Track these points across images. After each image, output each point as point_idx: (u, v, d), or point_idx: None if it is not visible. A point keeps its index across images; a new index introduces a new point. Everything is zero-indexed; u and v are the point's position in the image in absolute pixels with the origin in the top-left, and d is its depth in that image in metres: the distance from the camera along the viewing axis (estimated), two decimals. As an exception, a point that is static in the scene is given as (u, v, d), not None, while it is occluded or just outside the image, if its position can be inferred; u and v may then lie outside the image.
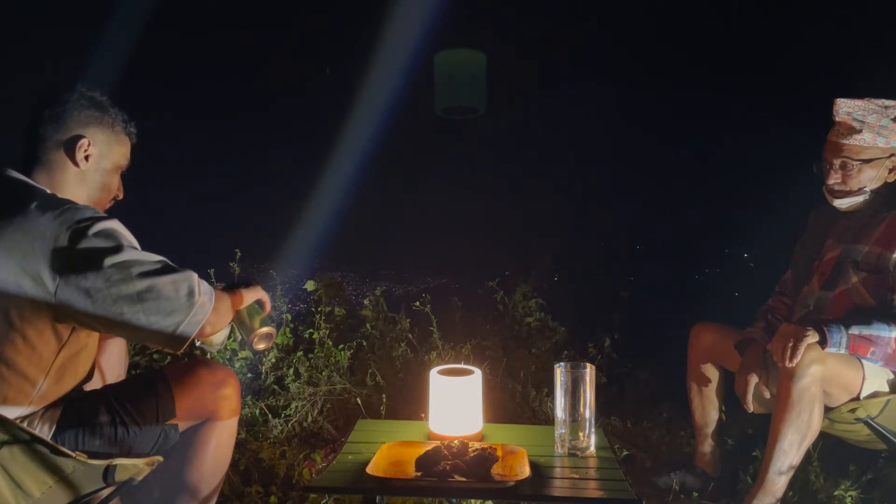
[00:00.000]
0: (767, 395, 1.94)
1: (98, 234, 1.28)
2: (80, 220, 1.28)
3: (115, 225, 1.33)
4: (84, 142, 1.43)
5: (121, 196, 1.57)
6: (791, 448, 1.79)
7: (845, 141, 1.89)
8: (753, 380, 1.94)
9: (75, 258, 1.26)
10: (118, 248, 1.29)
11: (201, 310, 1.34)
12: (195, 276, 1.36)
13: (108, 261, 1.27)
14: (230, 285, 1.61)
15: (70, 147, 1.42)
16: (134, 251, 1.32)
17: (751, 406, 1.98)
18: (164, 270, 1.32)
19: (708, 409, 2.27)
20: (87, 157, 1.45)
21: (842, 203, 1.96)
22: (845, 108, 1.88)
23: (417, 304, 3.15)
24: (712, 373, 2.25)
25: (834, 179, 1.94)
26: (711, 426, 2.28)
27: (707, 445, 2.30)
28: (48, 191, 1.39)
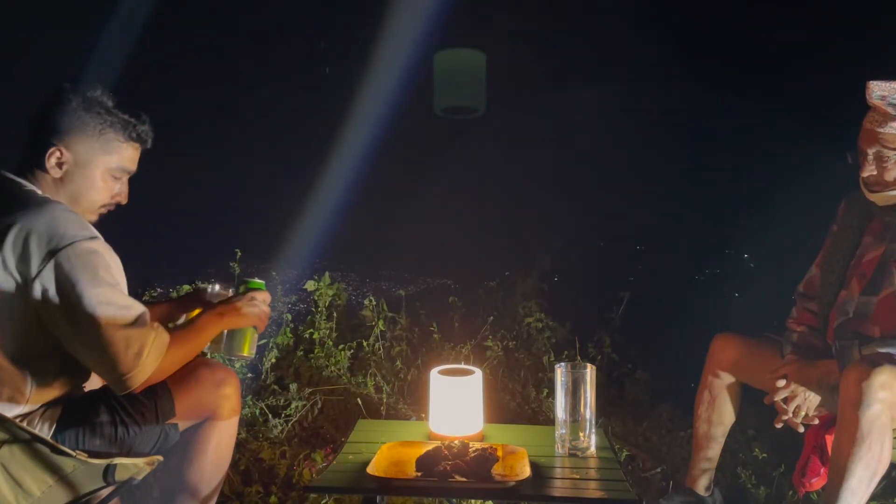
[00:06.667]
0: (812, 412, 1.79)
1: (72, 262, 1.27)
2: (61, 236, 1.27)
3: (94, 249, 1.31)
4: (53, 150, 1.40)
5: (123, 201, 1.53)
6: (860, 486, 1.54)
7: (880, 129, 1.67)
8: (804, 403, 1.77)
9: (47, 280, 1.27)
10: (90, 283, 1.28)
11: (145, 370, 1.33)
12: (151, 336, 1.34)
13: (75, 297, 1.27)
14: (220, 305, 1.58)
15: (41, 154, 1.39)
16: (102, 290, 1.29)
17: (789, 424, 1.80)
18: (122, 323, 1.30)
19: (716, 423, 2.06)
20: (59, 165, 1.41)
21: (879, 197, 1.75)
22: (879, 92, 1.64)
23: (418, 304, 3.15)
24: (731, 387, 2.05)
25: (869, 171, 1.72)
26: (716, 441, 2.07)
27: (703, 464, 2.09)
28: (38, 192, 1.39)
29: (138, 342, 1.32)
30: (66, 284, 1.27)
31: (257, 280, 1.67)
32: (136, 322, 1.33)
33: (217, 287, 1.76)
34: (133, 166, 1.52)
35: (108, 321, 1.28)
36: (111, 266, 1.34)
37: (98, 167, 1.45)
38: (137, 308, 1.35)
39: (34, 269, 1.26)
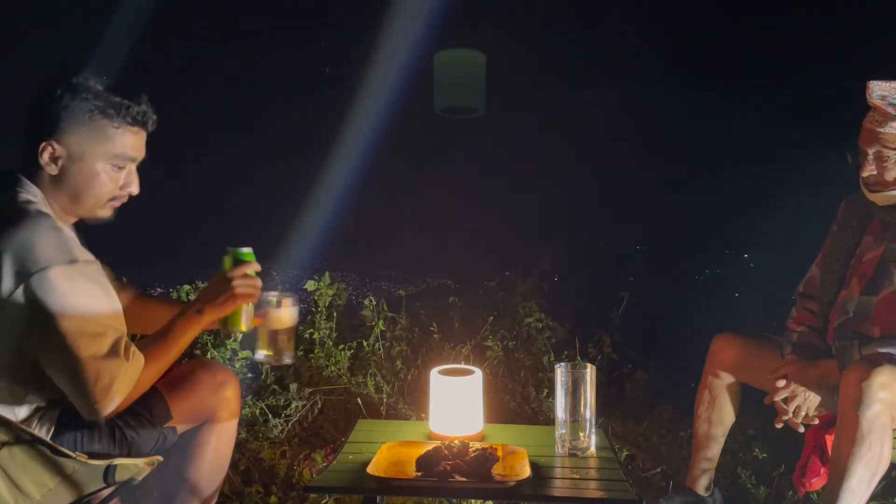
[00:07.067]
0: (813, 412, 1.79)
1: (44, 288, 1.19)
2: (35, 260, 1.19)
3: (69, 275, 1.22)
4: (45, 145, 1.31)
5: (134, 191, 1.43)
6: (860, 486, 1.54)
7: (881, 129, 1.68)
8: (804, 401, 1.77)
9: (18, 304, 1.20)
10: (60, 312, 1.20)
11: (113, 400, 1.27)
12: (124, 367, 1.27)
13: (45, 325, 1.20)
14: (197, 301, 1.46)
15: (35, 151, 1.32)
16: (73, 319, 1.22)
17: (788, 424, 1.80)
18: (93, 354, 1.24)
19: (716, 423, 2.06)
20: (54, 161, 1.32)
21: (879, 197, 1.76)
22: (879, 92, 1.65)
23: (418, 304, 3.15)
24: (731, 387, 2.05)
25: (869, 171, 1.73)
26: (716, 441, 2.08)
27: (703, 464, 2.09)
28: (33, 200, 1.31)
29: (108, 374, 1.25)
30: (35, 311, 1.19)
31: (245, 249, 1.52)
32: (109, 352, 1.26)
33: (269, 295, 1.62)
34: (136, 153, 1.41)
35: (77, 352, 1.22)
36: (89, 292, 1.25)
37: (95, 158, 1.35)
38: (112, 336, 1.27)
39: (5, 291, 1.19)
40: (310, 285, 3.21)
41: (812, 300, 2.00)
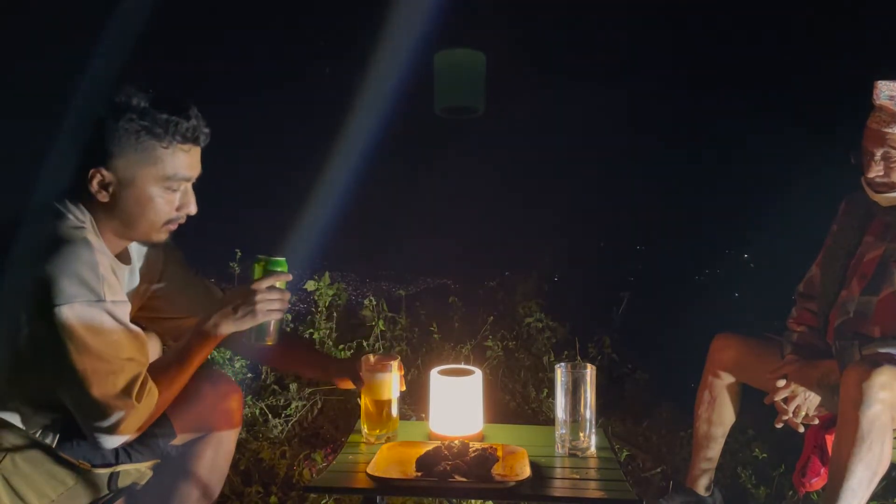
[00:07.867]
0: (813, 412, 1.80)
1: (61, 323, 1.16)
2: (58, 292, 1.16)
3: (89, 314, 1.18)
4: (94, 172, 1.25)
5: (191, 211, 1.37)
6: (861, 486, 1.55)
7: (888, 129, 1.69)
8: (803, 400, 1.79)
9: (35, 332, 1.19)
10: (74, 349, 1.18)
11: (120, 436, 1.26)
12: (134, 409, 1.24)
13: (58, 359, 1.18)
14: (217, 314, 1.37)
15: (85, 181, 1.26)
16: (86, 357, 1.19)
17: (788, 424, 1.81)
18: (103, 393, 1.21)
19: (716, 423, 2.07)
20: (104, 187, 1.27)
21: (884, 198, 1.77)
22: (887, 92, 1.67)
23: (418, 304, 3.15)
24: (731, 387, 2.06)
25: (875, 172, 1.73)
26: (716, 441, 2.09)
27: (703, 464, 2.10)
28: (83, 227, 1.27)
29: (117, 414, 1.22)
30: (51, 343, 1.18)
31: (277, 258, 1.45)
32: (121, 393, 1.22)
33: (372, 359, 1.61)
34: (190, 172, 1.34)
35: (88, 390, 1.20)
36: (107, 330, 1.22)
37: (147, 182, 1.28)
38: (128, 374, 1.23)
39: (28, 317, 1.18)
40: (310, 285, 3.21)
41: (812, 300, 2.01)
